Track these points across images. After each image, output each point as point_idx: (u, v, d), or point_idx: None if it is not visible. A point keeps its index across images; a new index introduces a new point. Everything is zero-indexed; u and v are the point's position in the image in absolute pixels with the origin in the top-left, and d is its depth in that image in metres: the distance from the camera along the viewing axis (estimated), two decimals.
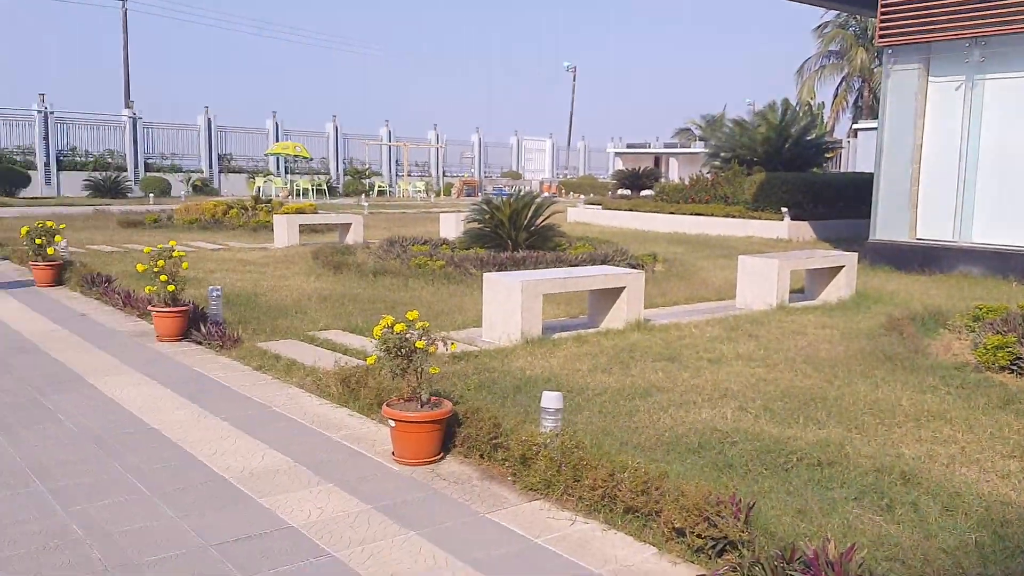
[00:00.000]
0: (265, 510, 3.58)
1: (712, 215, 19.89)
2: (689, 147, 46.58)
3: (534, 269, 9.91)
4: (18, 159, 31.50)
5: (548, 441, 3.91)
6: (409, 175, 44.23)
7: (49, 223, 9.54)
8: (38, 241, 9.40)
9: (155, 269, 6.84)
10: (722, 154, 23.85)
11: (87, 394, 5.28)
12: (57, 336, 7.00)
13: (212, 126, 37.27)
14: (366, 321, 7.67)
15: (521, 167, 50.23)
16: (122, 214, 20.65)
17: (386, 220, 23.10)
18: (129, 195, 32.50)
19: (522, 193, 12.70)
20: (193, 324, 6.97)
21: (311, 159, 34.17)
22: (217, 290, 7.33)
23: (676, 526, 3.22)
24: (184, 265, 7.03)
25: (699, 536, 3.14)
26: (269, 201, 20.63)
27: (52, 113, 32.32)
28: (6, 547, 3.18)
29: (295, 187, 35.99)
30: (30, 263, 9.67)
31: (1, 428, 4.56)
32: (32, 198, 29.12)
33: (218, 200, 20.52)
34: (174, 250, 6.99)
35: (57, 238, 9.45)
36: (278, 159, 39.11)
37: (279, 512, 3.56)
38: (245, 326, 7.23)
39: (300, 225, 15.49)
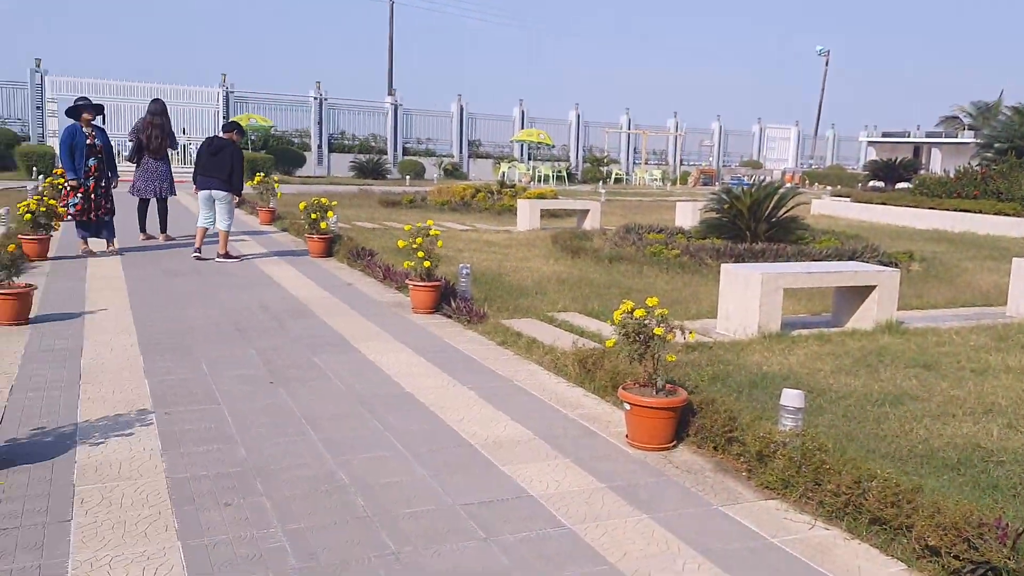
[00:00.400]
0: (507, 477, 3.79)
1: (981, 212, 18.01)
2: (956, 136, 42.38)
3: (774, 262, 9.55)
4: (295, 141, 35.04)
5: (787, 440, 3.80)
6: (647, 163, 43.97)
7: (323, 200, 10.58)
8: (313, 216, 10.45)
9: (413, 246, 7.38)
10: (996, 145, 21.55)
11: (352, 357, 5.84)
12: (327, 302, 7.77)
13: (464, 113, 39.23)
14: (602, 305, 7.79)
15: (762, 156, 48.25)
16: (382, 194, 22.37)
17: (622, 207, 23.18)
18: (388, 176, 35.09)
19: (763, 183, 12.25)
20: (444, 298, 7.45)
21: (553, 146, 34.98)
22: (467, 268, 7.78)
23: (930, 544, 3.02)
24: (439, 244, 7.53)
25: (956, 558, 2.93)
26: (513, 186, 21.43)
27: (326, 100, 35.58)
28: (287, 487, 3.62)
29: (537, 173, 37.01)
30: (305, 235, 10.78)
31: (281, 382, 5.17)
32: (306, 177, 32.30)
33: (467, 184, 21.65)
34: (430, 229, 7.51)
35: (329, 214, 10.47)
36: (522, 146, 40.41)
37: (519, 480, 3.75)
38: (490, 303, 7.62)
39: (541, 210, 15.96)
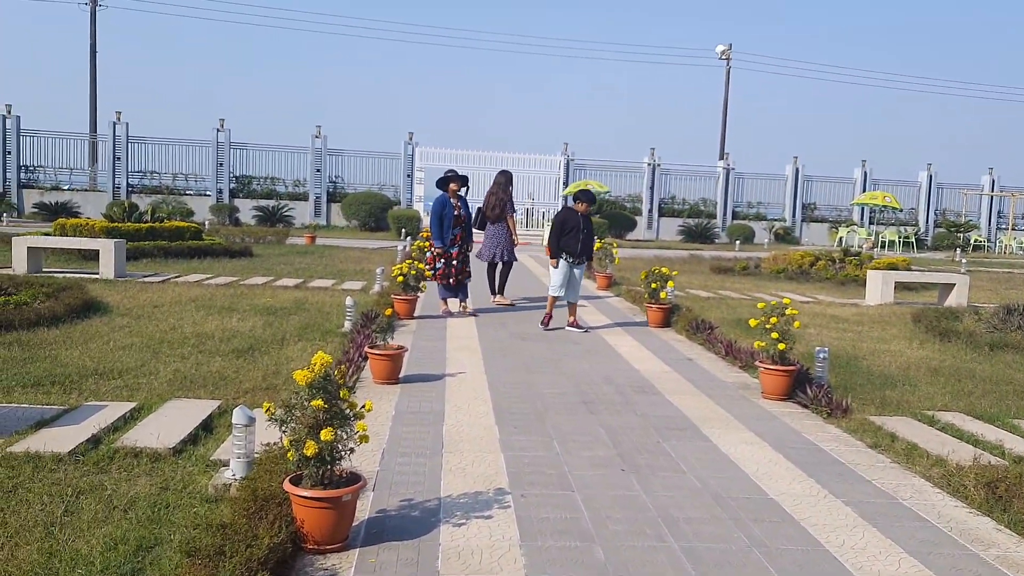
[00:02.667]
0: None
1: None
2: None
3: None
4: (627, 205, 35.81)
5: None
6: (1014, 228, 38.68)
7: (664, 269, 10.40)
8: (653, 285, 10.30)
9: (767, 325, 6.85)
10: None
11: (702, 445, 5.45)
12: (669, 378, 7.48)
13: (799, 176, 37.52)
14: (994, 406, 6.64)
15: None
16: (713, 259, 21.88)
17: (989, 280, 20.38)
18: (716, 240, 34.46)
19: None
20: (798, 384, 6.81)
21: (901, 210, 32.05)
22: (824, 351, 7.08)
23: None
24: (796, 324, 6.92)
25: None
26: (858, 253, 19.78)
27: (658, 165, 36.03)
28: None
29: (880, 238, 34.11)
30: (645, 304, 10.65)
31: (632, 468, 4.92)
32: (636, 240, 32.78)
33: (804, 250, 20.40)
34: (787, 307, 6.93)
35: (669, 284, 10.25)
36: (862, 209, 37.61)
37: None
38: (851, 393, 6.82)
39: (896, 282, 14.43)
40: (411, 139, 34.23)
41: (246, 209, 32.16)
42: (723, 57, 43.37)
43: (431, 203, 11.45)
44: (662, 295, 10.27)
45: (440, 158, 32.73)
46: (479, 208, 11.85)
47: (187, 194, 32.72)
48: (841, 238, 35.08)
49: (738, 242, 31.73)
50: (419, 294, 10.33)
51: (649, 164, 35.98)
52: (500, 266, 12.01)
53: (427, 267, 10.49)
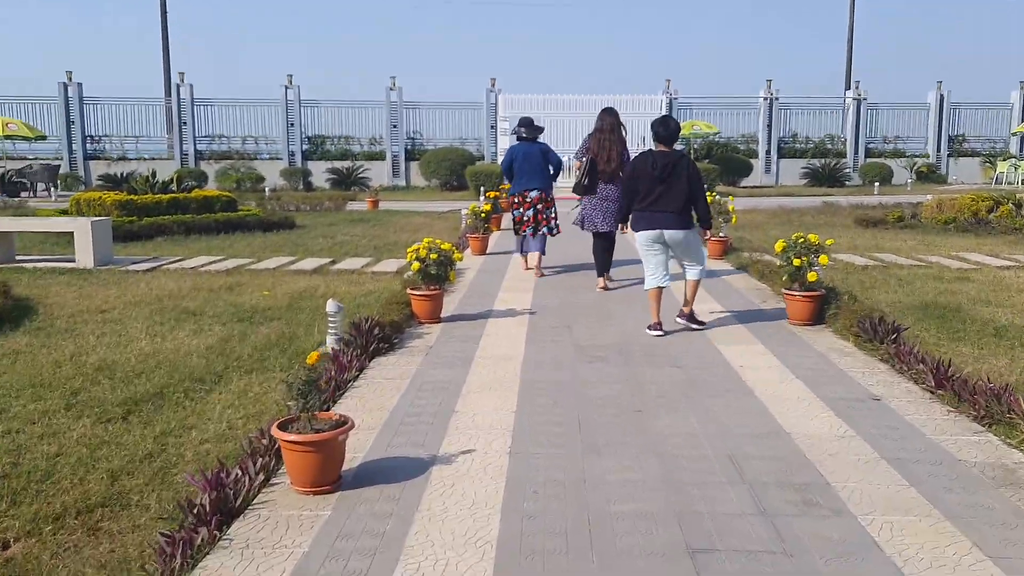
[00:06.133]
0: None
1: None
2: None
3: None
4: (741, 148, 31.45)
5: None
6: None
7: (813, 237, 6.84)
8: (797, 261, 6.78)
9: None
10: None
11: None
12: (849, 453, 4.07)
13: (944, 104, 32.12)
14: None
15: None
16: (853, 208, 17.84)
17: None
18: (847, 183, 29.86)
19: None
20: None
21: None
22: None
23: None
24: None
25: None
26: None
27: (776, 99, 31.42)
28: None
29: None
30: (783, 290, 7.14)
31: None
32: (752, 187, 28.58)
33: (976, 192, 16.06)
34: None
35: (822, 258, 6.70)
36: (1021, 139, 31.98)
37: None
38: None
39: None
40: (493, 86, 30.83)
41: (319, 172, 29.67)
42: None
43: None
44: (810, 276, 6.75)
45: (526, 105, 29.16)
46: (589, 160, 8.49)
47: (258, 158, 30.49)
48: (1000, 175, 29.80)
49: (877, 184, 27.08)
50: (445, 288, 7.20)
51: (765, 98, 31.35)
52: (603, 239, 8.76)
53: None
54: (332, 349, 5.92)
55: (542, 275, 9.46)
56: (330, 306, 6.11)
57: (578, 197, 8.93)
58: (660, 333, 6.52)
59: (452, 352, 6.09)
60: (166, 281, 9.33)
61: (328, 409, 4.04)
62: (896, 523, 3.32)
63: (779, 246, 6.97)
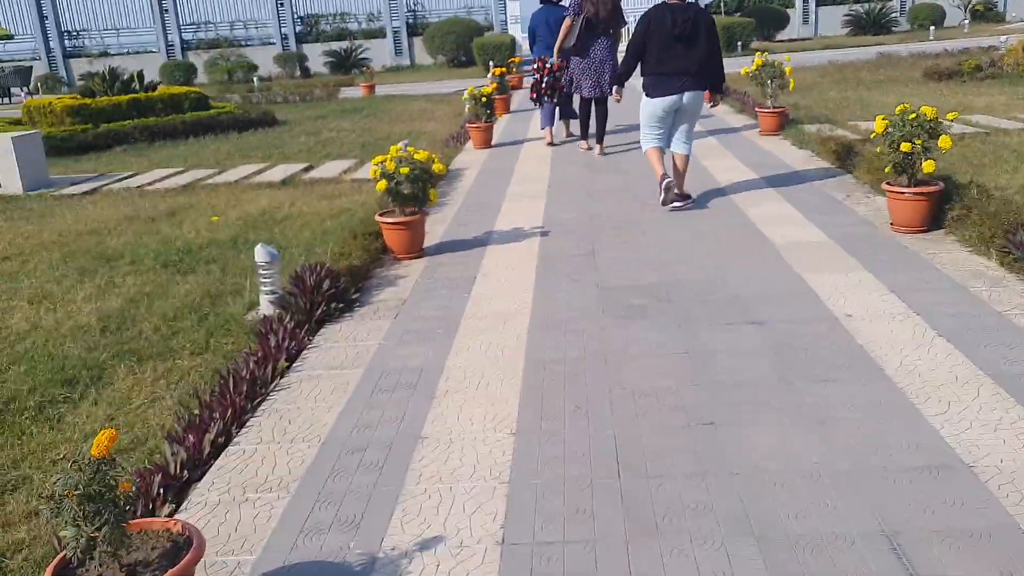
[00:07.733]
0: None
1: None
2: None
3: None
4: None
5: None
6: None
7: (927, 110, 4.89)
8: (905, 146, 4.86)
9: None
10: None
11: None
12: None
13: None
14: None
15: None
16: (915, 58, 15.48)
17: None
18: (894, 29, 26.92)
19: None
20: None
21: None
22: None
23: None
24: None
25: None
26: None
27: None
28: None
29: None
30: (887, 187, 5.22)
31: None
32: (789, 41, 25.82)
33: None
34: None
35: (942, 140, 4.77)
36: None
37: None
38: None
39: None
40: None
41: (315, 56, 27.25)
42: None
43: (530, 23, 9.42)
44: (926, 166, 4.85)
45: None
46: (584, 20, 7.89)
47: (248, 45, 28.07)
48: None
49: (932, 27, 24.18)
50: (425, 210, 5.42)
51: None
52: (595, 104, 8.41)
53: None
54: (264, 317, 4.24)
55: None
56: (260, 254, 4.38)
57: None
58: (680, 203, 5.93)
59: (432, 310, 4.38)
60: (100, 209, 7.63)
61: (181, 493, 2.38)
62: None
63: (879, 125, 5.03)
